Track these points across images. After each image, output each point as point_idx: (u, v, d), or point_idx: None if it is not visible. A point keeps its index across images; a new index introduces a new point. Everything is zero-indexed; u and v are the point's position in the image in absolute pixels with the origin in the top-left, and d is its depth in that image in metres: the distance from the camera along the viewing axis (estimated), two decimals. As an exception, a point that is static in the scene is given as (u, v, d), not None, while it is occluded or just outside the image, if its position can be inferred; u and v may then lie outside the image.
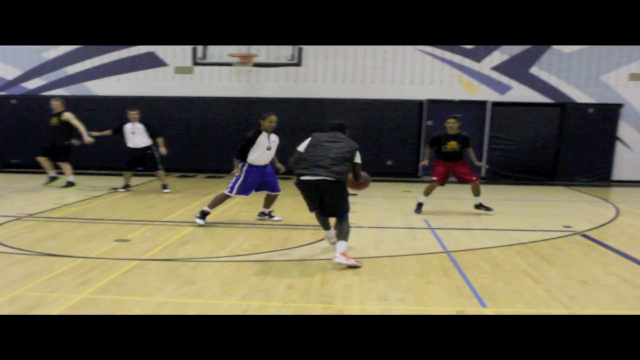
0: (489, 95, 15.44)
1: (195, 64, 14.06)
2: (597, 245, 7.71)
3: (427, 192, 10.08)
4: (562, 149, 15.34)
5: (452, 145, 9.88)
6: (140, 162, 12.17)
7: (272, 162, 8.78)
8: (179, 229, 8.23)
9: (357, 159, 6.46)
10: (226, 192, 8.56)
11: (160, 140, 12.01)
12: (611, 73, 15.17)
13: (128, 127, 12.04)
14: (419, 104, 15.43)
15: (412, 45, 15.36)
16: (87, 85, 16.09)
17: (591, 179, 15.39)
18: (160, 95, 15.82)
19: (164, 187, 12.13)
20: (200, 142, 15.83)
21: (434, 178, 10.02)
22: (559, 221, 9.47)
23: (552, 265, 6.52)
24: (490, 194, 12.36)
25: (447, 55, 15.40)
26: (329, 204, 6.42)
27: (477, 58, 15.35)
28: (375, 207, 10.68)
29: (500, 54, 15.30)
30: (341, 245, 6.28)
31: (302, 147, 6.49)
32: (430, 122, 15.54)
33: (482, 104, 15.52)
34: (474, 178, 9.96)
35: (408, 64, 15.48)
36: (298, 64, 13.82)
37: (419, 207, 10.03)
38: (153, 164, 12.09)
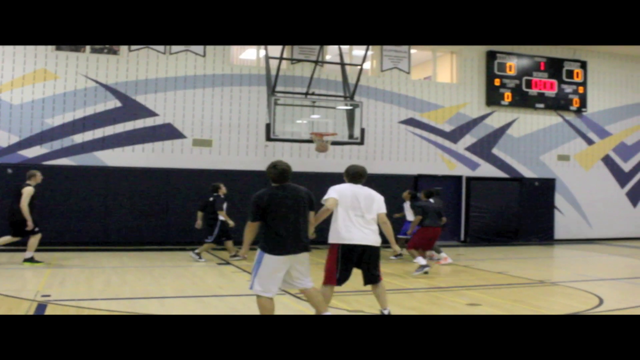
0: (463, 170, 18.32)
1: (269, 139, 14.09)
2: None
3: None
4: (521, 215, 18.69)
5: None
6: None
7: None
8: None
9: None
10: None
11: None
12: (546, 154, 19.24)
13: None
14: (414, 178, 17.56)
15: (404, 127, 17.65)
16: (97, 155, 15.08)
17: (541, 239, 18.93)
18: (177, 167, 15.55)
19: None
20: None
21: None
22: None
23: None
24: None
25: (432, 137, 17.97)
26: None
27: (454, 139, 18.19)
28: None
29: (470, 137, 18.36)
30: None
31: None
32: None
33: (458, 178, 18.33)
34: None
35: (402, 143, 17.66)
36: (360, 143, 14.80)
37: None
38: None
